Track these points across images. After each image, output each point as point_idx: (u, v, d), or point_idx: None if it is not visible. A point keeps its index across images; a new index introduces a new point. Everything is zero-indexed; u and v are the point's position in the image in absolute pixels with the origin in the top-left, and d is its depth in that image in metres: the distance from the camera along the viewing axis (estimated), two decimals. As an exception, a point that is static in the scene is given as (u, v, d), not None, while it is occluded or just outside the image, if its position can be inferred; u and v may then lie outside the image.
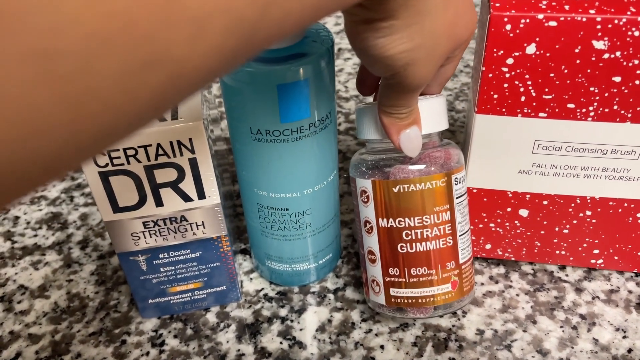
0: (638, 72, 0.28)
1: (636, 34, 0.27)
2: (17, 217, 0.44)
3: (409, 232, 0.30)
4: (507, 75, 0.29)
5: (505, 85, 0.30)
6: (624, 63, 0.28)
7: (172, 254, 0.32)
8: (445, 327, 0.34)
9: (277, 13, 0.14)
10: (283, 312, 0.35)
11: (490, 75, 0.30)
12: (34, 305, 0.37)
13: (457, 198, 0.31)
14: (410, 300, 0.31)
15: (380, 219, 0.30)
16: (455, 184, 0.30)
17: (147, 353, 0.33)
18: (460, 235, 0.31)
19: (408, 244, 0.30)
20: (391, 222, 0.30)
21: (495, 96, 0.30)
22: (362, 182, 0.31)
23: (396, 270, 0.31)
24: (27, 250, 0.41)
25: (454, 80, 0.57)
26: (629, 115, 0.29)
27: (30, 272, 0.39)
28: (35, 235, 0.42)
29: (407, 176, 0.29)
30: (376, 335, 0.33)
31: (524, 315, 0.34)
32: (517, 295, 0.35)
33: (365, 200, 0.31)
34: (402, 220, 0.30)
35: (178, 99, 0.13)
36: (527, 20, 0.28)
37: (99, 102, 0.11)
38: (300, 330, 0.34)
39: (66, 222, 0.43)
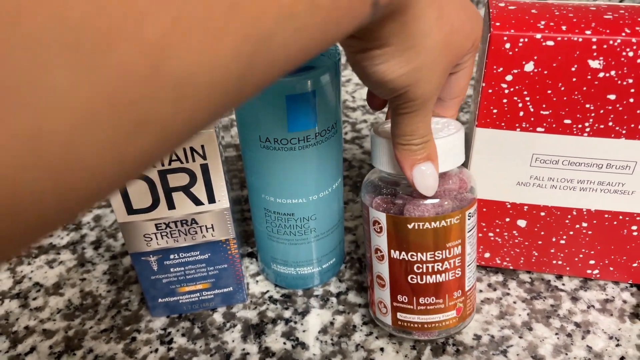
0: (632, 90, 0.29)
1: (630, 54, 0.28)
2: (33, 217, 0.45)
3: (420, 266, 0.30)
4: (507, 91, 0.31)
5: (505, 100, 0.31)
6: (619, 82, 0.29)
7: (182, 255, 0.33)
8: (443, 332, 0.35)
9: (263, 64, 0.14)
10: (287, 313, 0.36)
11: (490, 90, 0.31)
12: (49, 302, 0.38)
13: (468, 232, 0.30)
14: (416, 325, 0.32)
15: (392, 250, 0.30)
16: (469, 219, 0.30)
17: (156, 350, 0.35)
18: (468, 266, 0.31)
19: (418, 276, 0.30)
20: (403, 255, 0.30)
21: (495, 111, 0.32)
22: (375, 213, 0.30)
23: (405, 298, 0.31)
24: (42, 250, 0.42)
25: (459, 92, 0.58)
26: (624, 131, 0.31)
27: (46, 271, 0.41)
28: (51, 235, 0.44)
29: (422, 214, 0.29)
30: (376, 338, 0.35)
31: (520, 322, 0.35)
32: (514, 302, 0.37)
33: (379, 230, 0.30)
34: (415, 254, 0.30)
35: (165, 155, 0.13)
36: (526, 40, 0.29)
37: (86, 172, 0.11)
38: (304, 331, 0.35)
39: (80, 223, 0.45)
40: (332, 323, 0.36)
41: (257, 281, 0.39)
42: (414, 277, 0.30)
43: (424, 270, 0.30)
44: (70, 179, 0.11)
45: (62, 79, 0.10)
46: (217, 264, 0.35)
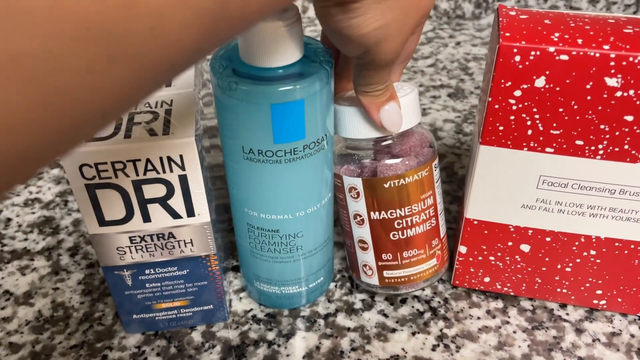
0: (651, 112, 0.27)
1: (651, 72, 0.26)
2: (9, 219, 0.43)
3: (400, 221, 0.32)
4: (514, 107, 0.28)
5: (512, 117, 0.29)
6: (637, 102, 0.27)
7: (158, 270, 0.31)
8: (436, 362, 0.32)
9: (237, 4, 0.14)
10: (271, 335, 0.34)
11: (497, 106, 0.28)
12: (17, 313, 0.36)
13: (436, 182, 0.33)
14: (402, 279, 0.34)
15: (371, 212, 0.32)
16: (435, 170, 0.33)
17: (128, 370, 0.32)
18: (440, 214, 0.34)
19: (399, 232, 0.32)
20: (383, 214, 0.32)
21: (501, 128, 0.29)
22: (350, 179, 0.32)
23: (389, 256, 0.33)
24: (16, 254, 0.40)
25: (463, 101, 0.56)
26: (640, 155, 0.28)
27: (17, 278, 0.38)
28: (26, 239, 0.41)
29: (395, 172, 0.31)
30: (364, 366, 0.32)
31: (519, 355, 0.33)
32: (514, 332, 0.34)
33: (355, 196, 0.32)
34: (394, 211, 0.32)
35: (142, 93, 0.14)
36: (538, 53, 0.26)
37: (66, 98, 0.12)
38: (287, 356, 0.33)
39: (58, 227, 0.42)
40: (318, 348, 0.33)
41: (240, 298, 0.37)
42: (396, 233, 0.32)
43: (404, 225, 0.32)
44: (52, 105, 0.11)
45: (39, 2, 0.10)
46: (197, 281, 0.32)
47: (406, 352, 0.33)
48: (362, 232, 0.33)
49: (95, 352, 0.33)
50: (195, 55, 0.14)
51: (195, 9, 0.13)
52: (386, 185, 0.31)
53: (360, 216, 0.32)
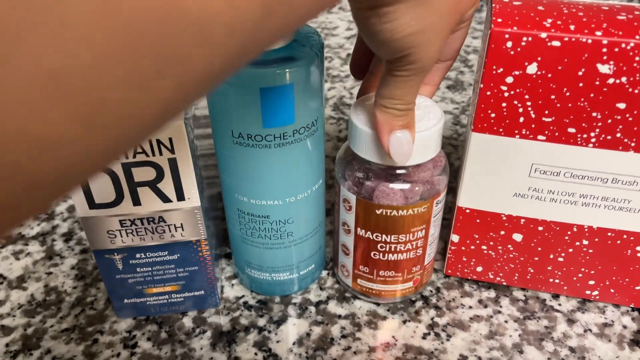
0: (644, 99, 0.26)
1: (644, 59, 0.25)
2: (4, 204, 0.43)
3: (384, 245, 0.32)
4: (506, 94, 0.28)
5: (504, 104, 0.28)
6: (630, 89, 0.26)
7: (149, 254, 0.31)
8: (427, 350, 0.32)
9: (282, 11, 0.14)
10: (261, 321, 0.34)
11: (489, 93, 0.28)
12: (10, 296, 0.36)
13: (434, 217, 0.32)
14: (375, 292, 0.34)
15: (359, 228, 0.32)
16: (436, 206, 0.31)
17: (118, 354, 0.32)
18: (430, 244, 0.33)
19: (381, 254, 0.32)
20: (369, 234, 0.32)
21: (493, 115, 0.29)
22: (346, 192, 0.31)
23: (366, 269, 0.33)
24: (10, 239, 0.40)
25: (462, 93, 0.56)
26: (632, 144, 0.28)
27: (11, 262, 0.38)
28: (21, 225, 0.41)
29: (390, 203, 0.30)
30: (354, 353, 0.32)
31: (510, 344, 0.33)
32: (506, 321, 0.34)
33: (348, 208, 0.32)
34: (380, 235, 0.31)
35: (187, 103, 0.13)
36: (530, 39, 0.26)
37: (111, 115, 0.11)
38: (277, 342, 0.33)
39: (53, 213, 0.42)
40: (308, 334, 0.33)
41: (232, 284, 0.37)
42: (377, 254, 0.32)
43: (387, 250, 0.32)
44: (97, 122, 0.11)
45: (82, 16, 0.10)
46: (188, 266, 0.32)
47: (396, 340, 0.33)
48: (346, 240, 0.33)
49: (86, 335, 0.33)
50: (237, 63, 0.14)
51: (241, 14, 0.12)
52: (378, 212, 0.30)
53: (348, 226, 0.32)
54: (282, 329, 0.34)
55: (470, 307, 0.35)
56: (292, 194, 0.30)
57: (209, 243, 0.32)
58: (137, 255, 0.31)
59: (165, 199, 0.29)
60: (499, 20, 0.27)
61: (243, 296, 0.36)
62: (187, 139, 0.27)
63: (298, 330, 0.34)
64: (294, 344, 0.33)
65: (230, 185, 0.30)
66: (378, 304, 0.35)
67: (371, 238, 0.32)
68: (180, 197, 0.29)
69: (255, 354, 0.32)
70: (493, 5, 0.28)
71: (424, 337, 0.33)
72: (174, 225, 0.30)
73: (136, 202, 0.29)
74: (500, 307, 0.35)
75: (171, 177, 0.28)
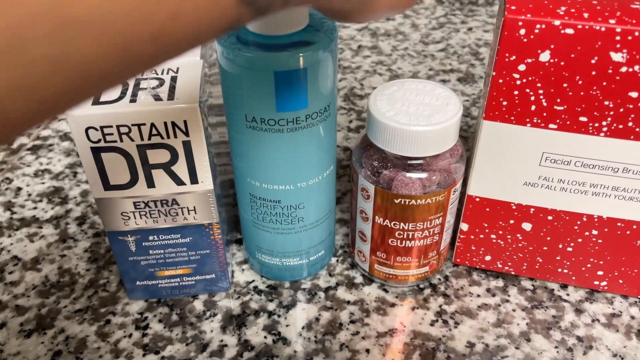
0: (656, 88, 0.26)
1: (657, 48, 0.25)
2: (19, 189, 0.44)
3: (402, 233, 0.32)
4: (518, 82, 0.28)
5: (516, 92, 0.29)
6: (642, 78, 0.26)
7: (161, 237, 0.32)
8: (435, 337, 0.33)
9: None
10: (271, 306, 0.34)
11: (501, 80, 0.28)
12: (25, 277, 0.37)
13: (451, 204, 0.32)
14: (391, 276, 0.35)
15: (377, 216, 0.32)
16: (453, 194, 0.31)
17: (130, 335, 0.33)
18: (446, 230, 0.34)
19: (398, 241, 0.33)
20: (387, 222, 0.32)
21: (505, 103, 0.29)
22: (364, 181, 0.31)
23: (383, 255, 0.34)
24: (25, 222, 0.41)
25: (472, 86, 0.56)
26: (644, 133, 0.28)
27: (25, 244, 0.39)
28: (35, 208, 0.42)
29: (409, 192, 0.30)
30: (363, 338, 0.33)
31: (518, 332, 0.33)
32: (514, 310, 0.34)
33: (366, 197, 0.32)
34: (398, 223, 0.32)
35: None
36: (543, 26, 0.26)
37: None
38: (287, 326, 0.33)
39: (67, 197, 0.43)
40: (317, 319, 0.34)
41: (243, 269, 0.37)
42: (395, 240, 0.33)
43: (405, 237, 0.32)
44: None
45: None
46: (199, 249, 0.33)
47: (405, 326, 0.33)
48: (364, 227, 0.34)
49: (99, 316, 0.34)
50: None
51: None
52: (397, 201, 0.31)
53: (365, 214, 0.33)
54: (292, 314, 0.34)
55: (479, 296, 0.35)
56: (303, 179, 0.30)
57: (221, 227, 0.32)
58: (150, 238, 0.32)
59: (179, 181, 0.29)
60: (513, 7, 0.27)
61: (253, 281, 0.36)
62: (201, 122, 0.27)
63: (307, 315, 0.34)
64: (303, 328, 0.33)
65: (243, 170, 0.31)
66: (387, 291, 0.35)
67: (389, 226, 0.32)
68: (194, 180, 0.29)
69: (265, 337, 0.33)
70: (507, -7, 0.29)
71: (432, 324, 0.33)
72: (187, 208, 0.30)
73: (150, 184, 0.29)
74: (509, 296, 0.35)
75: (185, 160, 0.28)
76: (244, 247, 0.37)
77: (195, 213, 0.31)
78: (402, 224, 0.32)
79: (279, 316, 0.34)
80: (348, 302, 0.35)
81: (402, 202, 0.31)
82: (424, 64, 0.60)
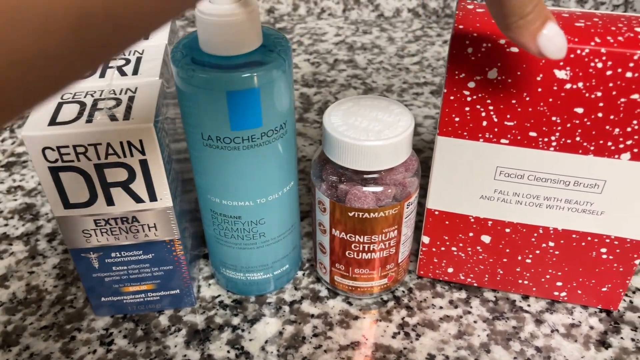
0: (601, 104, 0.27)
1: (599, 65, 0.26)
2: (-9, 205, 0.44)
3: (357, 245, 0.33)
4: (469, 98, 0.29)
5: (467, 108, 0.29)
6: (587, 94, 0.27)
7: (124, 253, 0.32)
8: (396, 349, 0.33)
9: None
10: (236, 320, 0.35)
11: (452, 97, 0.29)
12: (-8, 294, 0.37)
13: (405, 218, 0.32)
14: (350, 288, 0.35)
15: (333, 229, 0.33)
16: (407, 208, 0.32)
17: (94, 351, 0.33)
18: (403, 243, 0.34)
19: (355, 253, 0.33)
20: (342, 235, 0.33)
21: (457, 119, 0.30)
22: (320, 194, 0.32)
23: (342, 267, 0.34)
24: None
25: (438, 98, 0.56)
26: (592, 147, 0.29)
27: (-6, 261, 0.39)
28: (6, 225, 0.42)
29: (362, 206, 0.31)
30: (325, 351, 0.33)
31: (478, 343, 0.33)
32: (475, 322, 0.35)
33: (323, 210, 0.33)
34: (353, 236, 0.32)
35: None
36: (489, 45, 0.27)
37: None
38: (250, 340, 0.34)
39: (38, 213, 0.43)
40: (281, 333, 0.34)
41: (209, 284, 0.37)
42: (351, 252, 0.33)
43: (360, 249, 0.33)
44: None
45: None
46: (162, 265, 0.33)
47: (367, 339, 0.34)
48: (322, 239, 0.34)
49: (65, 333, 0.34)
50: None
51: None
52: (351, 214, 0.31)
53: (323, 226, 0.33)
54: (256, 328, 0.34)
55: (441, 308, 0.36)
56: (262, 196, 0.31)
57: (183, 243, 0.33)
58: (113, 254, 0.32)
59: (138, 199, 0.30)
60: (461, 26, 0.28)
61: (219, 296, 0.37)
62: (156, 141, 0.28)
63: (271, 329, 0.34)
64: (266, 342, 0.33)
65: (203, 187, 0.31)
66: (351, 304, 0.36)
67: (345, 238, 0.33)
68: (153, 197, 0.30)
69: (228, 351, 0.33)
70: (457, 12, 0.29)
71: (393, 337, 0.34)
72: (147, 225, 0.31)
73: (110, 202, 0.29)
74: (471, 307, 0.36)
75: (143, 178, 0.29)
76: (210, 262, 0.37)
77: (156, 230, 0.31)
78: (357, 237, 0.32)
79: (242, 330, 0.34)
80: (312, 316, 0.35)
81: (356, 215, 0.31)
82: (398, 77, 0.60)
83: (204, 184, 0.31)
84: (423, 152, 0.49)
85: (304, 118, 0.54)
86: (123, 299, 0.34)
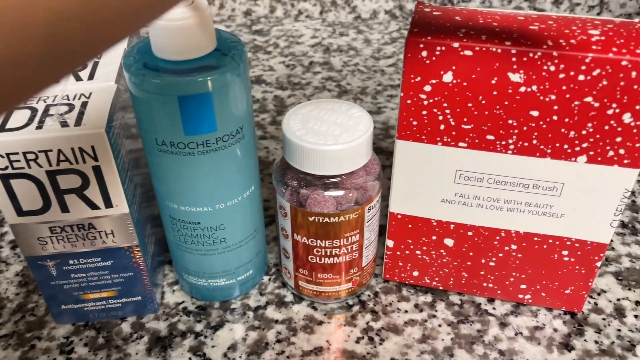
0: (555, 107, 0.27)
1: (552, 68, 0.26)
2: (-46, 212, 0.44)
3: (319, 250, 0.33)
4: (426, 102, 0.29)
5: (424, 112, 0.29)
6: (541, 97, 0.27)
7: (82, 260, 0.32)
8: (359, 354, 0.33)
9: None
10: (199, 327, 0.34)
11: (409, 101, 0.29)
12: (-49, 303, 0.36)
13: (367, 222, 0.32)
14: (315, 293, 0.35)
15: (295, 234, 0.32)
16: (368, 212, 0.32)
17: (54, 360, 0.33)
18: (366, 247, 0.34)
19: (317, 257, 0.33)
20: (304, 239, 0.32)
21: (415, 123, 0.30)
22: (281, 199, 0.32)
23: (305, 272, 0.34)
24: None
25: (418, 100, 0.56)
26: (549, 150, 0.29)
27: (-44, 269, 0.39)
28: (-31, 231, 0.42)
29: (322, 210, 0.31)
30: (288, 357, 0.33)
31: (442, 347, 0.33)
32: (440, 325, 0.35)
33: (284, 215, 0.32)
34: (314, 240, 0.32)
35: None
36: (443, 48, 0.27)
37: None
38: (212, 347, 0.33)
39: (2, 220, 0.43)
40: (244, 339, 0.34)
41: (173, 290, 0.37)
42: (314, 257, 0.33)
43: (322, 254, 0.33)
44: None
45: None
46: (122, 272, 0.33)
47: (330, 344, 0.33)
48: (285, 244, 0.34)
49: (24, 341, 0.34)
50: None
51: None
52: (311, 219, 0.31)
53: (285, 231, 0.33)
54: (219, 334, 0.34)
55: (406, 312, 0.35)
56: (221, 201, 0.31)
57: (143, 249, 0.32)
58: (71, 262, 0.31)
59: (93, 206, 0.29)
60: (415, 30, 0.28)
61: (183, 302, 0.36)
62: (109, 147, 0.27)
63: (234, 336, 0.34)
64: (228, 348, 0.33)
65: (162, 193, 0.31)
66: (316, 309, 0.36)
67: (307, 243, 0.32)
68: (108, 204, 0.29)
69: (190, 358, 0.33)
70: (414, 15, 0.29)
71: (357, 341, 0.34)
72: (105, 231, 0.30)
73: (64, 209, 0.29)
74: (436, 311, 0.35)
75: (97, 185, 0.28)
76: (174, 268, 0.37)
77: (114, 236, 0.31)
78: (319, 241, 0.32)
79: (205, 337, 0.34)
80: (276, 321, 0.35)
81: (317, 220, 0.31)
82: (373, 80, 0.60)
83: (162, 189, 0.31)
84: (391, 156, 0.49)
85: (277, 121, 0.54)
86: (84, 307, 0.34)
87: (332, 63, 0.64)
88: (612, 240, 0.41)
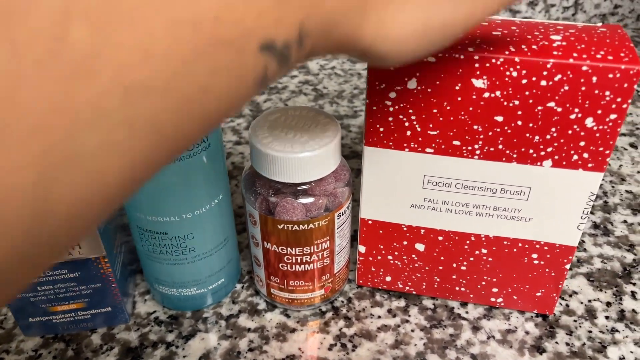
0: (519, 112, 0.27)
1: (514, 74, 0.26)
2: None
3: (290, 257, 0.33)
4: (391, 109, 0.29)
5: (390, 119, 0.29)
6: (505, 103, 0.27)
7: (48, 272, 0.31)
8: (332, 361, 0.33)
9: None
10: (170, 337, 0.34)
11: (374, 108, 0.29)
12: None
13: (337, 228, 0.32)
14: (287, 300, 0.35)
15: (265, 242, 0.32)
16: (338, 218, 0.32)
17: (22, 374, 0.32)
18: (337, 254, 0.34)
19: (288, 265, 0.33)
20: (274, 247, 0.32)
21: (381, 129, 0.30)
22: (250, 208, 0.32)
23: (277, 279, 0.34)
24: None
25: (394, 103, 0.56)
26: (514, 155, 0.29)
27: None
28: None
29: (291, 218, 0.31)
30: (259, 366, 0.32)
31: (414, 353, 0.33)
32: (412, 330, 0.35)
33: (253, 223, 0.32)
34: (284, 248, 0.32)
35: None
36: (407, 55, 0.27)
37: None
38: (184, 357, 0.33)
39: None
40: (215, 348, 0.33)
41: (145, 300, 0.37)
42: (284, 265, 0.33)
43: (294, 261, 0.33)
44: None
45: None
46: (90, 283, 0.32)
47: (302, 352, 0.33)
48: (256, 252, 0.34)
49: (-8, 356, 0.33)
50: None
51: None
52: (280, 227, 0.31)
53: (256, 239, 0.33)
54: (190, 344, 0.34)
55: (379, 317, 0.35)
56: (188, 210, 0.30)
57: (112, 260, 0.32)
58: (37, 274, 0.31)
59: (57, 217, 0.29)
60: (379, 37, 0.28)
61: (155, 311, 0.36)
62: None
63: (205, 345, 0.34)
64: (200, 358, 0.33)
65: (128, 202, 0.31)
66: (289, 316, 0.35)
67: (277, 251, 0.32)
68: (73, 215, 0.29)
69: (161, 369, 0.32)
70: (379, 22, 0.29)
71: (330, 348, 0.33)
72: (71, 243, 0.30)
73: (28, 221, 0.29)
74: (409, 316, 0.36)
75: (61, 196, 0.28)
76: (145, 277, 0.36)
77: (80, 248, 0.30)
78: (289, 249, 0.32)
79: (177, 347, 0.34)
80: (249, 330, 0.35)
81: (286, 228, 0.31)
82: (350, 83, 0.60)
83: (129, 199, 0.30)
84: (370, 159, 0.49)
85: (253, 126, 0.54)
86: (52, 319, 0.33)
87: (308, 66, 0.64)
88: (583, 241, 0.41)
